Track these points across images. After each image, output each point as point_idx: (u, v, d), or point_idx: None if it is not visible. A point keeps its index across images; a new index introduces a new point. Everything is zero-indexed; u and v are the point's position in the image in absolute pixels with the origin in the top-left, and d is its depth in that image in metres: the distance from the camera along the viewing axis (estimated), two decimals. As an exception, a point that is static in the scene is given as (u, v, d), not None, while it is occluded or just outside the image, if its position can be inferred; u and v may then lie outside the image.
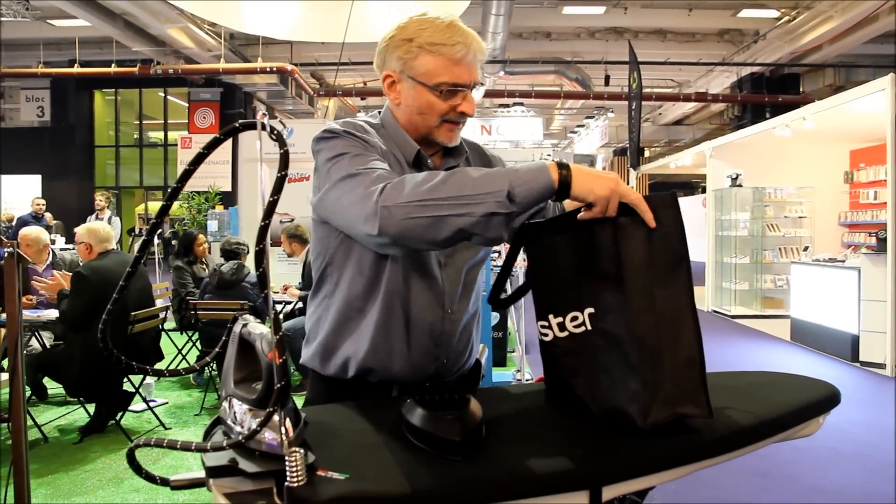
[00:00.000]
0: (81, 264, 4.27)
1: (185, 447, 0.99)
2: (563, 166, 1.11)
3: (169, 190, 1.11)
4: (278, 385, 0.99)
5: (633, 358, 1.11)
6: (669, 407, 1.09)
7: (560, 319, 1.22)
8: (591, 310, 1.18)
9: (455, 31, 1.34)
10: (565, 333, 1.22)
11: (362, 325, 1.40)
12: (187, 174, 1.08)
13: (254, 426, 0.95)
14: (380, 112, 1.49)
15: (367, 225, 1.13)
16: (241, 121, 1.06)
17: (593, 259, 1.17)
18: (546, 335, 1.26)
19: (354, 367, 1.41)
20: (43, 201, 11.04)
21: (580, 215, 1.15)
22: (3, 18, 11.88)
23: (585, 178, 1.10)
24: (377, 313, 1.39)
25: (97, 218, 9.63)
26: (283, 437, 1.00)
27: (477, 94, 1.44)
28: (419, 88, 1.36)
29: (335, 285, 1.43)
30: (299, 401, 1.05)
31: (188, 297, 5.56)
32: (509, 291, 1.51)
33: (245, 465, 0.93)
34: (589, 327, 1.19)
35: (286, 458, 0.89)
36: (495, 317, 5.80)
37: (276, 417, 0.94)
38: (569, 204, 1.32)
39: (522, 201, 1.09)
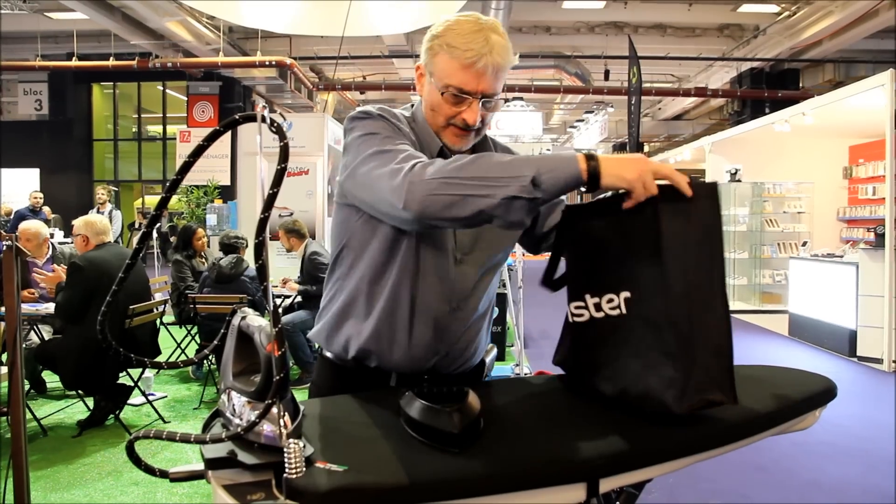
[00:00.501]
0: (76, 257, 4.27)
1: (185, 439, 0.99)
2: (591, 157, 1.10)
3: (168, 182, 1.12)
4: (277, 377, 1.00)
5: (670, 344, 1.12)
6: (701, 393, 1.11)
7: (597, 300, 1.23)
8: (628, 294, 1.18)
9: (476, 37, 1.30)
10: (601, 314, 1.22)
11: (369, 308, 1.42)
12: (187, 166, 1.08)
13: (252, 418, 0.96)
14: (412, 105, 1.50)
15: (393, 196, 1.15)
16: (240, 113, 1.06)
17: (633, 243, 1.17)
18: (581, 315, 1.26)
19: (355, 349, 1.43)
20: (41, 195, 11.02)
21: (625, 204, 1.14)
22: (1, 11, 11.83)
23: (614, 166, 1.10)
24: (384, 299, 1.40)
25: (98, 212, 9.63)
26: (282, 429, 1.00)
27: (491, 111, 1.38)
28: (432, 86, 1.37)
29: (349, 267, 1.45)
30: (299, 394, 1.05)
31: (187, 291, 5.56)
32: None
33: (244, 456, 0.93)
34: (624, 311, 1.19)
35: (284, 449, 0.89)
36: (494, 311, 5.80)
37: (274, 409, 0.95)
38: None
39: (548, 188, 1.09)
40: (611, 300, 1.21)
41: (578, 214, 1.29)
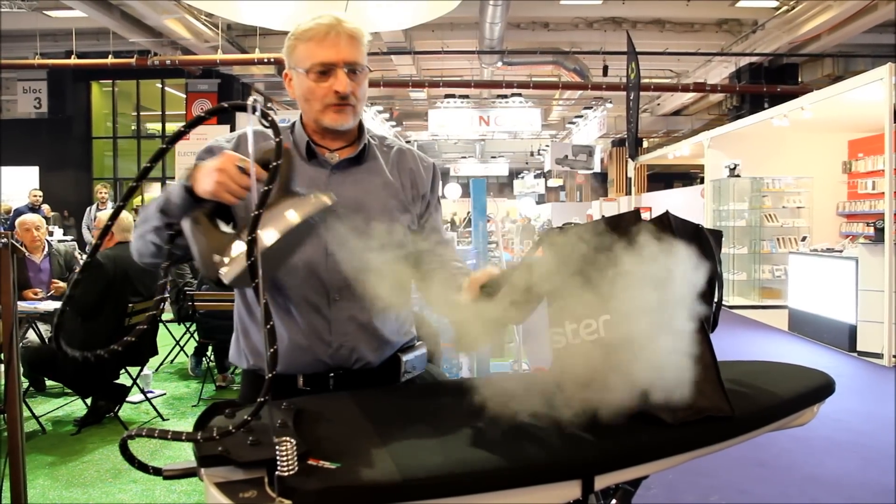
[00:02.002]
0: (98, 252, 4.25)
1: (177, 437, 0.99)
2: (188, 173, 1.19)
3: (153, 179, 1.13)
4: (269, 375, 0.99)
5: (654, 361, 1.13)
6: (691, 406, 1.12)
7: (575, 326, 1.23)
8: (607, 317, 1.19)
9: (321, 20, 1.41)
10: (578, 341, 1.22)
11: (250, 316, 1.48)
12: (162, 152, 1.11)
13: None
14: (292, 121, 1.57)
15: None
16: (230, 102, 1.07)
17: (611, 267, 1.18)
18: (559, 342, 1.26)
19: (252, 358, 1.49)
20: (40, 192, 11.02)
21: None
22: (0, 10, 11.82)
23: (204, 164, 1.17)
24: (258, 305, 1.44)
25: (98, 209, 9.62)
26: (274, 427, 1.00)
27: (359, 83, 1.44)
28: (299, 76, 1.44)
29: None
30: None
31: (186, 289, 5.56)
32: None
33: (236, 454, 0.92)
34: (602, 334, 1.19)
35: (277, 447, 0.88)
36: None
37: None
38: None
39: (169, 208, 1.23)
40: (588, 325, 1.21)
41: (555, 238, 1.27)
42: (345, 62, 1.40)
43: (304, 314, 1.41)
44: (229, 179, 1.11)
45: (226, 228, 1.15)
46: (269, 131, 1.09)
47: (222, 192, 1.12)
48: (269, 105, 16.60)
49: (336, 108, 1.43)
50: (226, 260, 1.08)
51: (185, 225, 1.17)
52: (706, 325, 1.18)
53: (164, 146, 1.08)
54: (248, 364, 1.51)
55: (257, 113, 1.05)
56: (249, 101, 1.05)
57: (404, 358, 1.53)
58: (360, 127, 1.54)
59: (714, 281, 1.26)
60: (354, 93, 1.43)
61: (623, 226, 1.20)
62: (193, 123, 1.09)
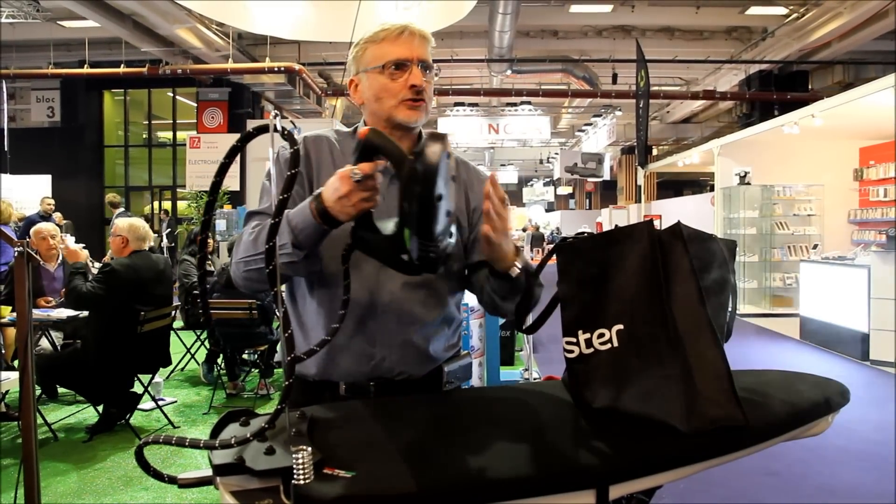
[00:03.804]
0: (113, 259, 4.28)
1: (194, 444, 0.99)
2: (315, 198, 1.22)
3: (211, 190, 1.16)
4: (286, 382, 1.00)
5: (666, 372, 1.14)
6: (706, 415, 1.11)
7: (588, 335, 1.23)
8: (620, 326, 1.19)
9: (390, 22, 1.45)
10: (591, 350, 1.22)
11: (306, 321, 1.49)
12: (224, 167, 1.12)
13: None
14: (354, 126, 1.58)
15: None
16: (254, 126, 1.10)
17: (624, 277, 1.20)
18: (571, 352, 1.25)
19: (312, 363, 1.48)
20: (52, 201, 11.10)
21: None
22: (14, 20, 11.95)
23: (328, 196, 1.19)
24: (314, 312, 1.47)
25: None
26: (290, 435, 1.01)
27: (430, 83, 1.47)
28: (371, 76, 1.45)
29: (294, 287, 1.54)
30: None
31: (194, 291, 5.58)
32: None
33: (252, 462, 0.93)
34: (616, 344, 1.19)
35: (293, 456, 0.89)
36: (455, 319, 5.79)
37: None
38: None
39: (306, 243, 1.25)
40: (601, 335, 1.21)
41: (569, 249, 1.28)
42: (419, 59, 1.43)
43: (350, 324, 1.41)
44: (360, 196, 1.16)
45: (382, 225, 1.19)
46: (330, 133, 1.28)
47: (363, 207, 1.18)
48: (284, 116, 16.67)
49: (411, 103, 1.44)
50: (412, 253, 1.12)
51: (358, 249, 1.24)
52: (719, 335, 1.18)
53: (225, 160, 1.12)
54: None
55: (278, 128, 1.08)
56: (269, 118, 1.09)
57: (447, 368, 1.53)
58: (419, 135, 1.54)
59: (727, 290, 1.26)
60: (426, 90, 1.45)
61: (635, 236, 1.20)
62: (232, 153, 1.13)
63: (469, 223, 1.55)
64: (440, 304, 1.51)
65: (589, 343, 1.23)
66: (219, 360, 5.57)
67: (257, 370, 5.65)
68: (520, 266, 1.32)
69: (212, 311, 5.00)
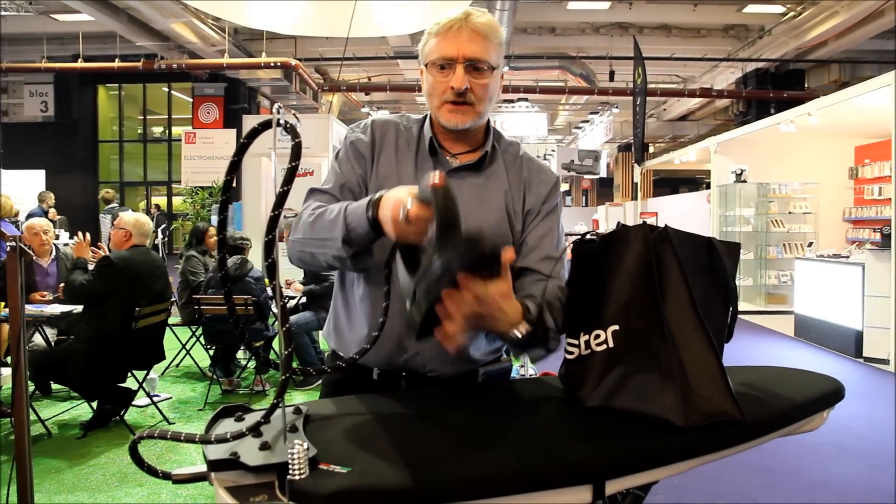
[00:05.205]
0: (110, 253, 4.28)
1: (189, 439, 0.99)
2: (371, 204, 1.17)
3: (228, 187, 1.14)
4: (283, 377, 0.99)
5: (661, 370, 1.14)
6: (702, 410, 1.12)
7: (587, 337, 1.24)
8: (616, 327, 1.20)
9: (452, 14, 1.36)
10: (588, 351, 1.23)
11: (352, 305, 1.48)
12: (234, 165, 1.11)
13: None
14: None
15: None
16: (259, 122, 1.10)
17: (620, 278, 1.20)
18: (572, 353, 1.26)
19: (341, 344, 1.51)
20: (51, 195, 11.06)
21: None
22: (7, 13, 11.88)
23: (382, 210, 1.14)
24: (360, 297, 1.45)
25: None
26: (286, 430, 1.00)
27: (483, 80, 1.37)
28: (426, 71, 1.40)
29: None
30: (305, 396, 1.04)
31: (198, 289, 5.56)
32: None
33: (246, 457, 0.92)
34: (611, 345, 1.20)
35: (288, 451, 0.88)
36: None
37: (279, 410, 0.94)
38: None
39: (358, 241, 1.21)
40: (598, 336, 1.22)
41: (582, 253, 1.28)
42: (465, 57, 1.34)
43: (394, 313, 1.32)
44: (405, 229, 1.09)
45: (423, 259, 1.10)
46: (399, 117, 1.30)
47: (408, 239, 1.11)
48: (285, 110, 16.63)
49: (452, 105, 1.37)
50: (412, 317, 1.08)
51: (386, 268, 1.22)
52: (714, 335, 1.18)
53: (235, 158, 1.10)
54: (334, 346, 1.54)
55: (282, 122, 1.07)
56: (274, 111, 1.09)
57: (482, 371, 1.49)
58: (487, 131, 1.48)
59: (724, 292, 1.26)
60: (475, 91, 1.36)
61: (631, 238, 1.21)
62: (241, 151, 1.11)
63: (523, 225, 1.46)
64: None
65: (587, 344, 1.24)
66: (210, 353, 5.53)
67: (254, 366, 5.65)
68: (523, 331, 1.18)
69: (207, 307, 4.99)
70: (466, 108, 1.37)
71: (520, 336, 1.17)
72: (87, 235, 4.48)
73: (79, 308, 4.33)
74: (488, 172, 1.46)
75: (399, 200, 1.09)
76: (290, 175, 1.02)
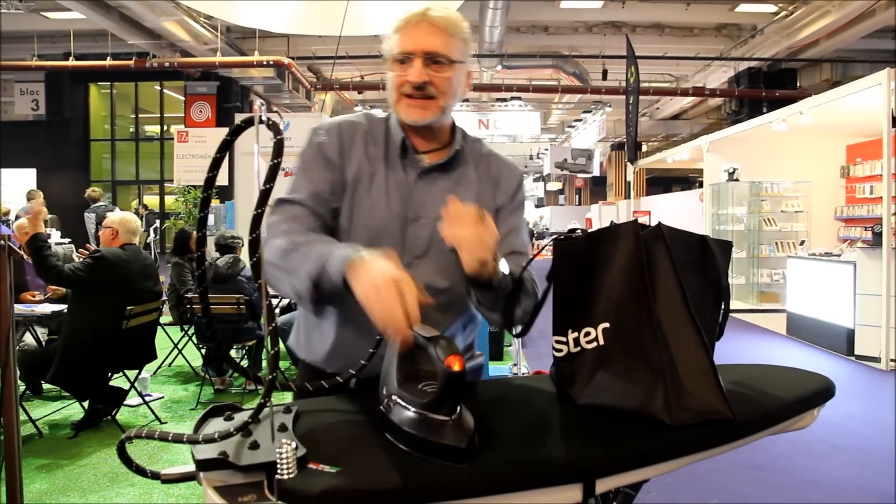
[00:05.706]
0: (102, 248, 4.27)
1: (177, 439, 0.98)
2: (351, 263, 1.13)
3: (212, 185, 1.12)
4: (269, 377, 0.99)
5: (655, 365, 1.14)
6: (692, 408, 1.12)
7: (576, 335, 1.23)
8: (606, 325, 1.19)
9: (413, 10, 1.35)
10: (578, 349, 1.23)
11: (325, 315, 1.44)
12: (214, 168, 1.09)
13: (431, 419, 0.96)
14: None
15: None
16: (242, 119, 1.09)
17: (610, 276, 1.20)
18: (560, 351, 1.25)
19: (319, 355, 1.46)
20: (39, 192, 10.99)
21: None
22: (-2, 11, 11.81)
23: (358, 277, 1.11)
24: (335, 309, 1.40)
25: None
26: (275, 429, 1.00)
27: (443, 73, 1.35)
28: (389, 69, 1.39)
29: None
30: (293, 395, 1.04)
31: (188, 294, 5.54)
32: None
33: (235, 457, 0.92)
34: (601, 342, 1.20)
35: (276, 450, 0.88)
36: (474, 322, 5.80)
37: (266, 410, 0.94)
38: None
39: (328, 288, 1.17)
40: (588, 334, 1.21)
41: (565, 248, 1.27)
42: (423, 51, 1.33)
43: (366, 322, 1.29)
44: (395, 330, 1.06)
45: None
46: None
47: (366, 303, 1.09)
48: (273, 109, 16.60)
49: (409, 99, 1.35)
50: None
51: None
52: (704, 332, 1.18)
53: (217, 155, 1.09)
54: (303, 356, 1.51)
55: (264, 119, 1.06)
56: (256, 108, 1.08)
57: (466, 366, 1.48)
58: (453, 129, 1.47)
59: (716, 290, 1.26)
60: (436, 84, 1.34)
61: (622, 235, 1.20)
62: (224, 147, 1.10)
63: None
64: (460, 310, 1.44)
65: (577, 342, 1.23)
66: (202, 352, 5.51)
67: (246, 364, 5.63)
68: (506, 270, 1.24)
69: (199, 307, 4.96)
70: (427, 103, 1.36)
71: (504, 272, 1.22)
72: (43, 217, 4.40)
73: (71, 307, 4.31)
74: (458, 173, 1.46)
75: (375, 278, 1.08)
76: (273, 172, 1.02)
